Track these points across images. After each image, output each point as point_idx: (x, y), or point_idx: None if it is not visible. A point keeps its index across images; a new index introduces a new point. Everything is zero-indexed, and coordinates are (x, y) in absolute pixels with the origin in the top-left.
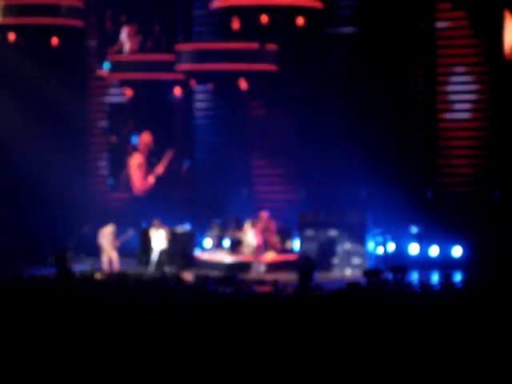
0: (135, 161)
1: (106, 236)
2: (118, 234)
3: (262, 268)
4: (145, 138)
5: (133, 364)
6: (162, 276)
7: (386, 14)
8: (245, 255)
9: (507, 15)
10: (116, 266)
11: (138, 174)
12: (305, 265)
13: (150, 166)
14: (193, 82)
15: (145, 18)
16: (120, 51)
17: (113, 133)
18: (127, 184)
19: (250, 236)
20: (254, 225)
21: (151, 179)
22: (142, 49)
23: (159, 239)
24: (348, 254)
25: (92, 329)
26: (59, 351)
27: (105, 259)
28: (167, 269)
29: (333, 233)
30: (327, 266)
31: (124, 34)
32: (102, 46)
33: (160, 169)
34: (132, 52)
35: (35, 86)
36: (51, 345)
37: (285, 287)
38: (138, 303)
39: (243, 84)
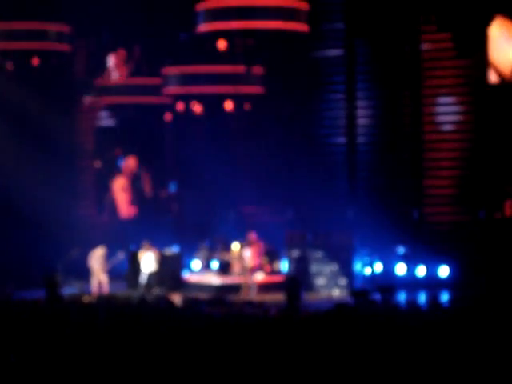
0: (119, 184)
1: (97, 258)
2: (108, 256)
3: (254, 290)
4: (129, 162)
5: None
6: (151, 298)
7: (372, 37)
8: (234, 277)
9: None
10: (105, 288)
11: (123, 197)
12: (291, 285)
13: (134, 189)
14: (180, 106)
15: (130, 42)
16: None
17: (98, 157)
18: (112, 208)
19: (246, 257)
20: (250, 246)
21: (135, 208)
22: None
23: (148, 261)
24: (335, 275)
25: (81, 352)
26: (48, 374)
27: (94, 282)
28: (156, 291)
29: (320, 253)
30: (314, 287)
31: (112, 63)
32: (90, 70)
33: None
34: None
35: (22, 111)
36: (40, 367)
37: (270, 308)
38: (127, 326)
39: (230, 106)
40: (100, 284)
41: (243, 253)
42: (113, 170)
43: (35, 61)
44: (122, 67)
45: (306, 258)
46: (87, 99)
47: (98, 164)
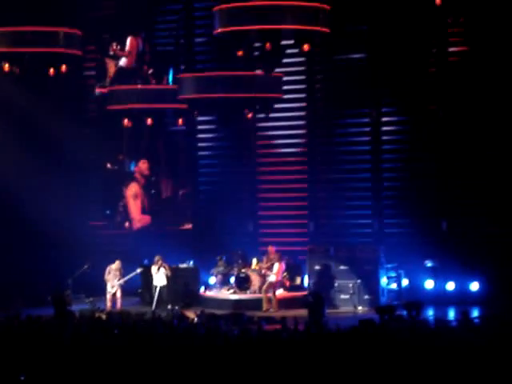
0: (131, 191)
1: (113, 272)
2: (123, 272)
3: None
4: (142, 167)
5: None
6: (165, 314)
7: (396, 39)
8: (252, 292)
9: None
10: (119, 304)
11: (135, 204)
12: (314, 301)
13: (146, 196)
14: (196, 112)
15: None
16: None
17: (108, 160)
18: (125, 214)
19: (275, 271)
20: (278, 260)
21: (148, 216)
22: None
23: (160, 276)
24: (359, 290)
25: (91, 367)
26: None
27: (109, 296)
28: (169, 307)
29: (343, 268)
30: (337, 303)
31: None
32: (100, 76)
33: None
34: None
35: (30, 117)
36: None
37: (295, 324)
38: (141, 342)
39: (248, 113)
40: (114, 299)
41: (267, 267)
42: (124, 176)
43: (46, 67)
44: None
45: (329, 273)
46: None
47: (109, 166)
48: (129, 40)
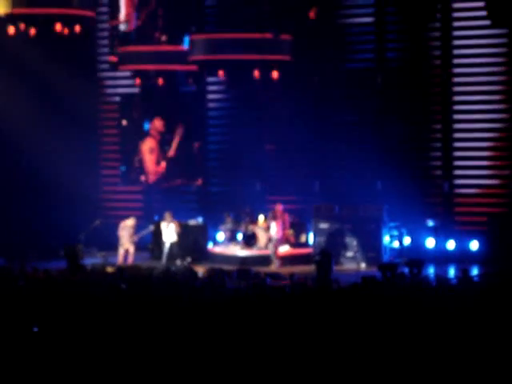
0: (147, 145)
1: (127, 229)
2: (137, 227)
3: (278, 262)
4: (156, 124)
5: (142, 359)
6: (175, 269)
7: (403, 4)
8: (259, 249)
9: None
10: (131, 259)
11: (151, 158)
12: (322, 258)
13: (162, 151)
14: (206, 73)
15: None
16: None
17: (123, 117)
18: (140, 169)
19: (273, 229)
20: (275, 218)
21: (163, 164)
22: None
23: (170, 232)
24: (363, 248)
25: (102, 321)
26: (70, 344)
27: (121, 251)
28: (179, 262)
29: (347, 226)
30: (341, 260)
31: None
32: (113, 37)
33: (172, 151)
34: (128, 20)
35: (44, 77)
36: (62, 338)
37: (305, 280)
38: (149, 296)
39: (257, 74)
40: (126, 254)
41: (269, 225)
42: (138, 131)
43: (58, 27)
44: (132, 13)
45: (333, 231)
46: (112, 58)
47: (125, 123)
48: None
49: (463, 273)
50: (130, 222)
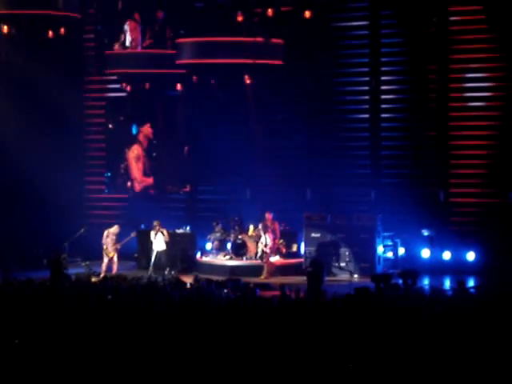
0: (134, 153)
1: (111, 237)
2: (120, 236)
3: (268, 272)
4: (145, 130)
5: (128, 369)
6: (162, 279)
7: (398, 8)
8: (249, 259)
9: None
10: (115, 268)
11: (137, 166)
12: (314, 268)
13: (148, 159)
14: (194, 78)
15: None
16: (123, 45)
17: (110, 121)
18: (126, 176)
19: (267, 239)
20: (265, 228)
21: (151, 178)
22: (143, 39)
23: (158, 241)
24: (356, 258)
25: (86, 331)
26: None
27: (105, 260)
28: (166, 271)
29: (340, 236)
30: (333, 270)
31: (127, 28)
32: (100, 39)
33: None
34: (134, 44)
35: (30, 81)
36: (44, 348)
37: (296, 291)
38: (135, 306)
39: (247, 79)
40: (110, 263)
41: (259, 234)
42: (125, 137)
43: (44, 29)
44: (136, 33)
45: (326, 241)
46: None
47: (111, 126)
48: (127, 28)
49: (459, 284)
50: (113, 230)
